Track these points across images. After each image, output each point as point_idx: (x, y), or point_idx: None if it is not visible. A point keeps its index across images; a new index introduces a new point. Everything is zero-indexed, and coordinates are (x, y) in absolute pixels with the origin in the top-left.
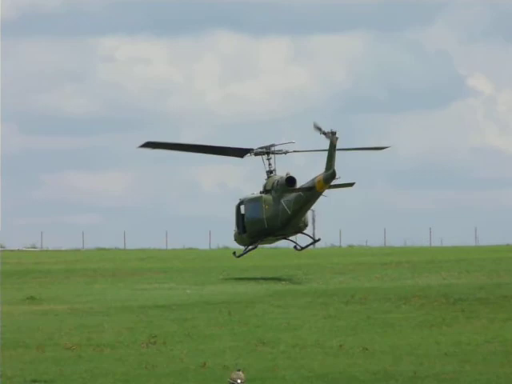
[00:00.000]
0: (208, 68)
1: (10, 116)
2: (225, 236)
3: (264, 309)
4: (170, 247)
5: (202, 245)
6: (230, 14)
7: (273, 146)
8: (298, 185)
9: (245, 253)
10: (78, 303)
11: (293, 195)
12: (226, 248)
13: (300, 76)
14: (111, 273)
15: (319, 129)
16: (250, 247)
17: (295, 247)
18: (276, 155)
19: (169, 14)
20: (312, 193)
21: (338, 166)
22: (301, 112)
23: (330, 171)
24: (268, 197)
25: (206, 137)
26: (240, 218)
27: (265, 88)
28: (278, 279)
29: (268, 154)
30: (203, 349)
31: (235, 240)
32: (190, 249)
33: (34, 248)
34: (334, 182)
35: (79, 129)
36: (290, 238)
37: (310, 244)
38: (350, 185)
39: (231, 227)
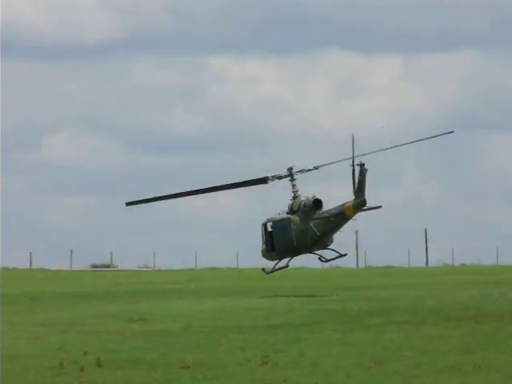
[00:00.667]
0: (318, 87)
1: (121, 133)
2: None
3: (378, 327)
4: None
5: (312, 264)
6: (340, 32)
7: (291, 168)
8: (325, 206)
9: (275, 270)
10: (191, 322)
11: (323, 220)
12: (339, 267)
13: (411, 95)
14: (224, 292)
15: (352, 152)
16: (282, 265)
17: (320, 259)
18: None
19: (279, 32)
20: (341, 218)
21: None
22: (413, 131)
23: (361, 199)
24: (295, 218)
25: (315, 155)
26: (268, 236)
27: (375, 107)
28: (390, 298)
29: (291, 176)
30: (316, 369)
31: (263, 256)
32: (302, 267)
33: (147, 267)
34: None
35: (190, 147)
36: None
37: (336, 258)
38: (378, 207)
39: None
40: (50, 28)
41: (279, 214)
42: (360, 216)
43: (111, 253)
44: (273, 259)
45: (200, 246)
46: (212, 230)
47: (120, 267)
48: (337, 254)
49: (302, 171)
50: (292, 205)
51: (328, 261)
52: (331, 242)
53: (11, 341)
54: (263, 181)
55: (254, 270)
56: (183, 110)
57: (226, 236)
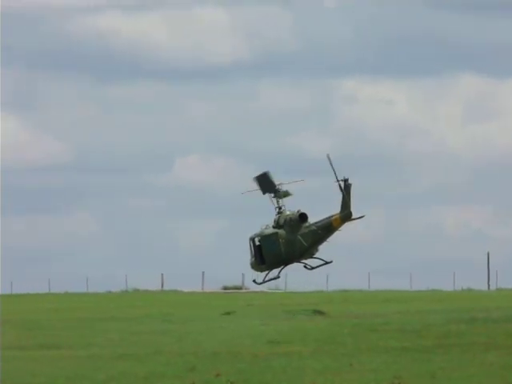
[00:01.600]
0: (449, 110)
1: (251, 155)
2: (469, 277)
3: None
4: (414, 288)
5: (447, 286)
6: (471, 55)
7: (280, 184)
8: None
9: (266, 281)
10: (322, 345)
11: (310, 230)
12: (470, 289)
13: None
14: (355, 314)
15: (333, 170)
16: (272, 277)
17: (305, 267)
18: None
19: (409, 55)
20: (329, 229)
21: None
22: None
23: (347, 212)
24: (282, 232)
25: (446, 180)
26: (256, 249)
27: (507, 130)
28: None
29: (275, 192)
30: None
31: (252, 268)
32: (433, 290)
33: (278, 289)
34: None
35: (320, 170)
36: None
37: (321, 265)
38: (361, 217)
39: (474, 268)
40: (179, 50)
41: (266, 227)
42: (491, 237)
43: (243, 275)
44: (262, 271)
45: (330, 268)
46: (343, 253)
47: (251, 289)
48: (322, 262)
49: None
50: (278, 219)
51: (313, 268)
52: (317, 251)
53: (145, 361)
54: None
55: (387, 292)
56: (313, 132)
57: (357, 258)
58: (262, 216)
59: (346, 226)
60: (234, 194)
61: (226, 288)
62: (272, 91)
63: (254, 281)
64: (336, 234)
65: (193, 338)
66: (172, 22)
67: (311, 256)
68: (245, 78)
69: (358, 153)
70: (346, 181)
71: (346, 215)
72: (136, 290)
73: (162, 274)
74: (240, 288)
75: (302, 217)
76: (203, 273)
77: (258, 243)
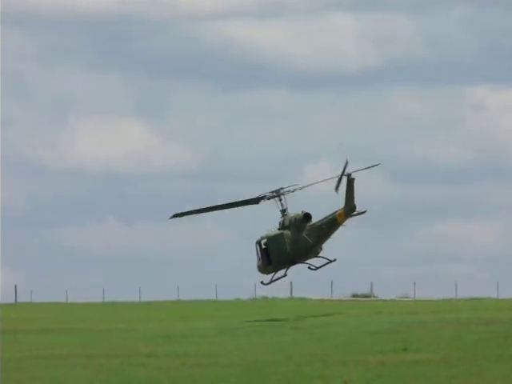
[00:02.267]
0: None
1: (381, 162)
2: None
3: None
4: None
5: None
6: None
7: (281, 188)
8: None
9: (274, 280)
10: (451, 352)
11: (314, 228)
12: None
13: None
14: (485, 321)
15: (344, 168)
16: (279, 275)
17: (309, 267)
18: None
19: None
20: (333, 225)
21: None
22: None
23: (351, 206)
24: (288, 232)
25: None
26: (263, 252)
27: None
28: None
29: (279, 196)
30: None
31: (259, 271)
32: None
33: (407, 297)
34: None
35: (449, 178)
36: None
37: (326, 264)
38: (363, 213)
39: None
40: (306, 57)
41: (271, 230)
42: None
43: (371, 283)
44: (269, 272)
45: (459, 276)
46: (471, 262)
47: (380, 297)
48: (326, 261)
49: (289, 192)
50: (283, 221)
51: (318, 268)
52: (321, 249)
53: (276, 367)
54: (259, 199)
55: None
56: (442, 140)
57: (487, 267)
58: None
59: (470, 234)
60: (368, 201)
61: (354, 296)
62: (400, 98)
63: (261, 282)
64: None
65: (320, 345)
66: (299, 28)
67: (316, 255)
68: (373, 85)
69: (486, 161)
70: (349, 175)
71: (349, 209)
72: (265, 298)
73: (291, 282)
74: (369, 296)
75: (307, 217)
76: (332, 281)
77: (264, 246)
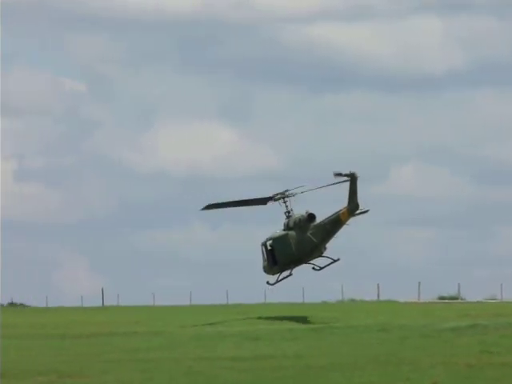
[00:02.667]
0: None
1: (466, 164)
2: None
3: None
4: None
5: None
6: None
7: (287, 191)
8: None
9: (280, 280)
10: None
11: (319, 227)
12: None
13: None
14: None
15: (340, 174)
16: (285, 275)
17: (313, 268)
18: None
19: None
20: (337, 224)
21: None
22: None
23: (355, 204)
24: (293, 233)
25: None
26: (269, 253)
27: None
28: None
29: (284, 198)
30: None
31: (265, 272)
32: None
33: (494, 299)
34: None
35: None
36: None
37: (330, 264)
38: (366, 212)
39: None
40: (392, 59)
41: (276, 232)
42: None
43: (459, 284)
44: (275, 273)
45: None
46: None
47: (467, 299)
48: (330, 261)
49: (293, 195)
50: (288, 222)
51: (322, 268)
52: (325, 249)
53: (361, 370)
54: (268, 199)
55: None
56: None
57: None
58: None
59: None
60: (449, 202)
61: (441, 298)
62: (485, 100)
63: (267, 282)
64: None
65: (408, 347)
66: (385, 30)
67: (320, 254)
68: (459, 87)
69: None
70: (352, 175)
71: (353, 208)
72: (352, 300)
73: (378, 284)
74: (456, 298)
75: (311, 217)
76: (419, 283)
77: (269, 247)
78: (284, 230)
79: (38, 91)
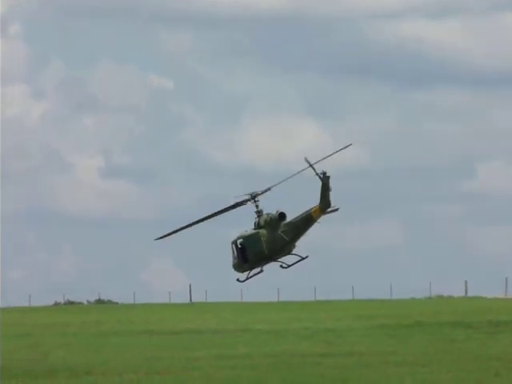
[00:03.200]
0: None
1: None
2: None
3: None
4: None
5: None
6: None
7: (254, 192)
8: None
9: (250, 277)
10: None
11: (290, 225)
12: None
13: None
14: None
15: (311, 166)
16: (255, 272)
17: (281, 266)
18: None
19: None
20: (308, 221)
21: None
22: None
23: (327, 202)
24: (264, 231)
25: None
26: (239, 251)
27: None
28: None
29: (254, 198)
30: None
31: (235, 269)
32: None
33: None
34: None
35: None
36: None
37: (298, 261)
38: (337, 210)
39: None
40: (483, 57)
41: (246, 231)
42: None
43: None
44: (244, 270)
45: None
46: None
47: None
48: (298, 258)
49: (258, 194)
50: (258, 222)
51: (289, 266)
52: (294, 247)
53: (449, 367)
54: (241, 203)
55: None
56: None
57: None
58: None
59: None
60: None
61: None
62: None
63: (237, 279)
64: None
65: (498, 343)
66: (476, 27)
67: (290, 252)
68: None
69: None
70: (324, 173)
71: (324, 206)
72: (440, 296)
73: (466, 281)
74: None
75: (282, 216)
76: (506, 278)
77: (238, 246)
78: (254, 228)
79: (125, 88)
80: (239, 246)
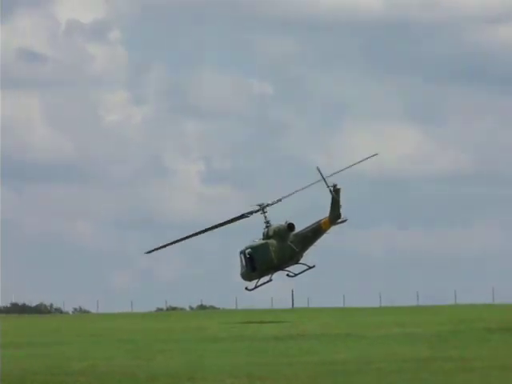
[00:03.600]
0: None
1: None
2: None
3: None
4: None
5: None
6: None
7: (263, 203)
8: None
9: (258, 286)
10: None
11: (300, 236)
12: None
13: None
14: None
15: (323, 178)
16: (264, 280)
17: (288, 275)
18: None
19: None
20: (318, 232)
21: None
22: None
23: (336, 215)
24: (273, 241)
25: None
26: (247, 260)
27: None
28: None
29: (263, 209)
30: None
31: (243, 278)
32: None
33: None
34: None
35: None
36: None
37: (305, 271)
38: (345, 221)
39: None
40: None
41: (254, 241)
42: None
43: None
44: (252, 279)
45: None
46: None
47: None
48: (305, 267)
49: (268, 205)
50: (267, 232)
51: (296, 275)
52: (302, 257)
53: None
54: (242, 217)
55: None
56: None
57: None
58: None
59: None
60: None
61: None
62: None
63: (246, 288)
64: None
65: None
66: None
67: (297, 262)
68: None
69: None
70: (334, 186)
71: (334, 217)
72: None
73: None
74: None
75: (290, 226)
76: None
77: (247, 255)
78: (263, 239)
79: (226, 94)
80: (247, 256)
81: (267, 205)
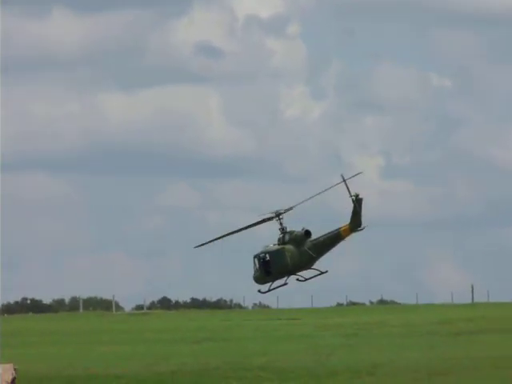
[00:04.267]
0: None
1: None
2: None
3: None
4: None
5: None
6: None
7: (279, 210)
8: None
9: (272, 289)
10: None
11: (318, 242)
12: None
13: None
14: None
15: (347, 187)
16: (278, 284)
17: (298, 279)
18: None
19: None
20: (337, 239)
21: None
22: None
23: (357, 224)
24: (289, 246)
25: None
26: (262, 264)
27: None
28: None
29: (279, 215)
30: None
31: (255, 281)
32: None
33: None
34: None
35: None
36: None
37: (316, 275)
38: (363, 229)
39: None
40: None
41: (269, 246)
42: None
43: None
44: (265, 282)
45: None
46: None
47: None
48: (317, 272)
49: (285, 211)
50: (283, 237)
51: (307, 280)
52: (315, 262)
53: None
54: (269, 219)
55: None
56: None
57: None
58: None
59: None
60: None
61: None
62: None
63: (259, 291)
64: None
65: None
66: None
67: (311, 267)
68: None
69: None
70: (357, 196)
71: (355, 226)
72: None
73: None
74: None
75: (307, 233)
76: None
77: (262, 259)
78: (279, 244)
79: (404, 87)
80: (262, 260)
81: (281, 212)
